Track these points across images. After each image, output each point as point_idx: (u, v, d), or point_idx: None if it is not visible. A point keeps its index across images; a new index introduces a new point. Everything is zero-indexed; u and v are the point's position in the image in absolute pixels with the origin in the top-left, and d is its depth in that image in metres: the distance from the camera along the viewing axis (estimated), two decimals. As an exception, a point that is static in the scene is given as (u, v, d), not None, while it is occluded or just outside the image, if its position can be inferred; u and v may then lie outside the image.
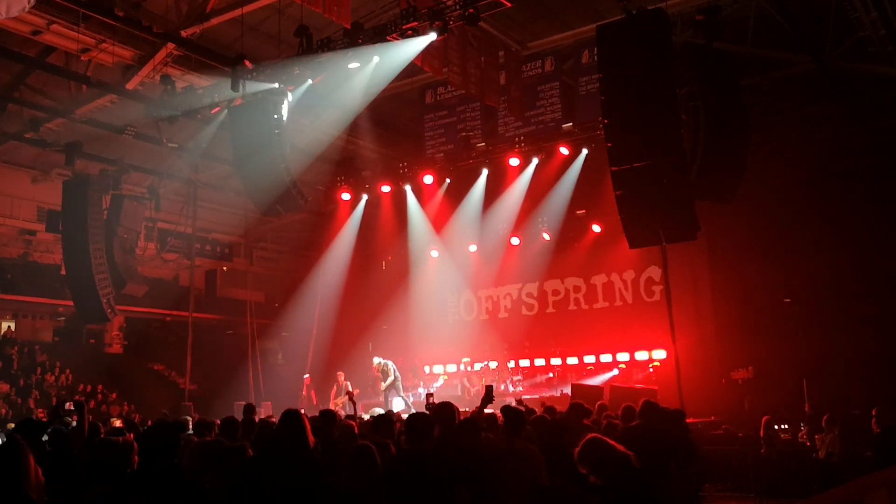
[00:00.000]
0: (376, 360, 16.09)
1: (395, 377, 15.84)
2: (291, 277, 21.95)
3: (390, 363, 15.94)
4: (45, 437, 5.94)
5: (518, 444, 5.07)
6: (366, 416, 10.56)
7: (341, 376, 16.17)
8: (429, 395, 7.98)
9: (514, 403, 9.72)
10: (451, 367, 18.95)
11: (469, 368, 17.52)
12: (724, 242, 15.28)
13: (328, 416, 5.76)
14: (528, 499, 4.43)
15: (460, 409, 6.29)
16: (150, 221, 19.74)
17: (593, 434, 4.20)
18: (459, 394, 16.78)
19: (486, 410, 6.09)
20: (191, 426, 7.37)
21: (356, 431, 5.78)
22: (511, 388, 16.62)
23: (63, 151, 16.01)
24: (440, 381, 18.39)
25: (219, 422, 6.83)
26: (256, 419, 8.03)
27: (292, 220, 20.60)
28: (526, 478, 4.70)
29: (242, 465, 4.52)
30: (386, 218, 19.64)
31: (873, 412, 9.52)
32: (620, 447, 3.99)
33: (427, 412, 5.45)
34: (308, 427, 4.60)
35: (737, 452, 10.91)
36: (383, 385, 15.79)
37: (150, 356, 23.88)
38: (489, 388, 6.09)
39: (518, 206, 17.50)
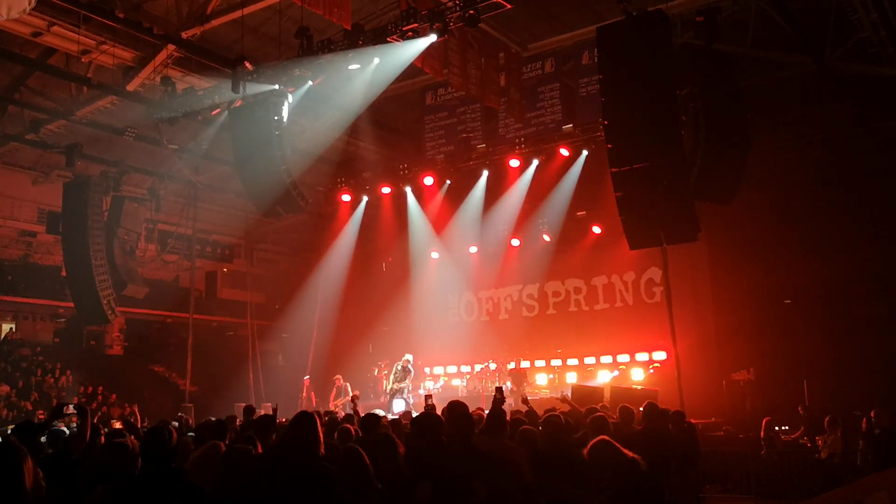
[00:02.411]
0: (407, 356, 16.09)
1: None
2: (292, 279, 21.93)
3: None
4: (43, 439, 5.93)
5: (498, 444, 5.04)
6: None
7: (340, 379, 16.18)
8: (427, 397, 7.98)
9: (520, 402, 9.76)
10: (452, 369, 18.94)
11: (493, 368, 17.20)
12: (724, 243, 15.24)
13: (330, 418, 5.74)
14: (513, 496, 4.41)
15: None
16: (150, 223, 19.76)
17: (602, 437, 4.18)
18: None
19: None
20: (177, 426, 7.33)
21: (353, 434, 5.75)
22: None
23: (63, 153, 16.02)
24: (440, 383, 18.39)
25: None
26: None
27: (293, 221, 20.57)
28: (507, 477, 4.67)
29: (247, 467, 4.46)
30: (386, 219, 19.63)
31: (872, 413, 9.52)
32: (627, 451, 3.99)
33: (428, 412, 5.44)
34: (321, 432, 4.37)
35: (737, 454, 10.92)
36: (405, 383, 15.74)
37: (150, 358, 23.88)
38: (499, 390, 6.16)
39: (518, 207, 17.49)
